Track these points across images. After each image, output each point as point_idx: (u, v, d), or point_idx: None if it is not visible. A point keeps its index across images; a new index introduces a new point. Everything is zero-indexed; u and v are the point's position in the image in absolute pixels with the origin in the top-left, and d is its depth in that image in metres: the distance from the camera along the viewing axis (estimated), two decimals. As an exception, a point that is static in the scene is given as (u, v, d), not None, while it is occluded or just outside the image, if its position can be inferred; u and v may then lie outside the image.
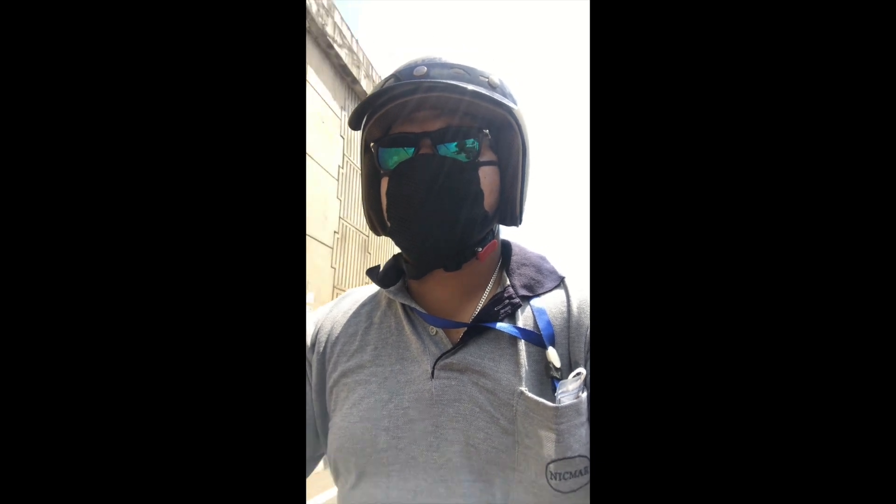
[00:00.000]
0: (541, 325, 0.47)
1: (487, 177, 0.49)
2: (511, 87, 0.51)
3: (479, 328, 0.47)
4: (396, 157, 0.49)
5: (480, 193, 0.47)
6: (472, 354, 0.46)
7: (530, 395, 0.42)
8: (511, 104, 0.49)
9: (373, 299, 0.57)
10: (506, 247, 0.57)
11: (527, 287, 0.51)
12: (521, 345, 0.46)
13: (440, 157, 0.47)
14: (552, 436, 0.41)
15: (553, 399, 0.42)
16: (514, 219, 0.52)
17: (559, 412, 0.41)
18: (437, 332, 0.49)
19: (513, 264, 0.54)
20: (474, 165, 0.48)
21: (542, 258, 0.56)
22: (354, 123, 0.51)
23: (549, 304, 0.50)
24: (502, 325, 0.47)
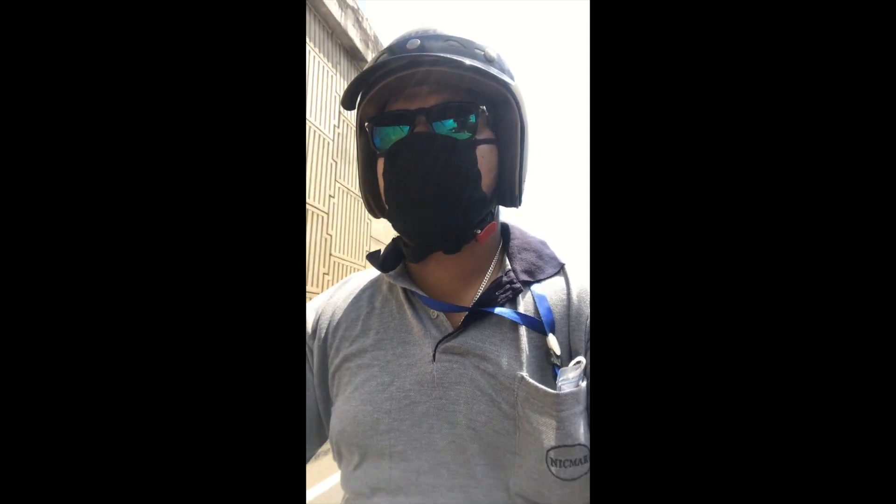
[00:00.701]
0: (541, 312, 0.47)
1: (485, 156, 0.47)
2: (508, 61, 0.49)
3: (481, 312, 0.47)
4: (392, 135, 0.48)
5: (478, 174, 0.46)
6: (473, 338, 0.46)
7: (531, 380, 0.42)
8: (509, 80, 0.47)
9: (373, 284, 0.57)
10: (506, 230, 0.56)
11: (527, 272, 0.50)
12: (522, 330, 0.46)
13: (436, 136, 0.45)
14: (552, 423, 0.41)
15: (553, 386, 0.42)
16: (513, 199, 0.50)
17: (559, 399, 0.41)
18: (437, 315, 0.49)
19: (513, 248, 0.53)
20: (471, 144, 0.46)
21: (543, 243, 0.55)
22: (348, 102, 0.49)
23: (550, 290, 0.49)
24: (503, 311, 0.46)
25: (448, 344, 0.46)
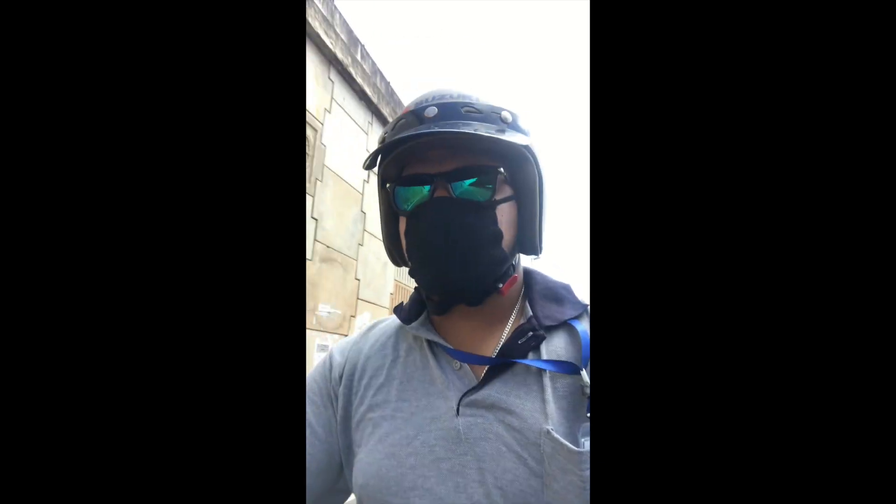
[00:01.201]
0: (582, 346, 0.47)
1: (505, 214, 0.49)
2: (525, 118, 0.51)
3: (505, 362, 0.48)
4: (413, 196, 0.50)
5: (499, 233, 0.48)
6: (497, 391, 0.46)
7: (556, 435, 0.42)
8: (526, 139, 0.48)
9: (398, 331, 0.58)
10: (528, 275, 0.57)
11: (550, 318, 0.51)
12: (547, 379, 0.46)
13: (456, 200, 0.47)
14: (579, 482, 0.40)
15: (579, 438, 0.42)
16: (534, 249, 0.52)
17: (583, 457, 0.40)
18: (461, 366, 0.50)
19: (535, 294, 0.54)
20: (491, 204, 0.48)
21: (566, 288, 0.55)
22: (369, 165, 0.51)
23: (578, 331, 0.50)
24: (528, 360, 0.47)
25: (472, 398, 0.47)
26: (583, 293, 0.56)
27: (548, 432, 0.43)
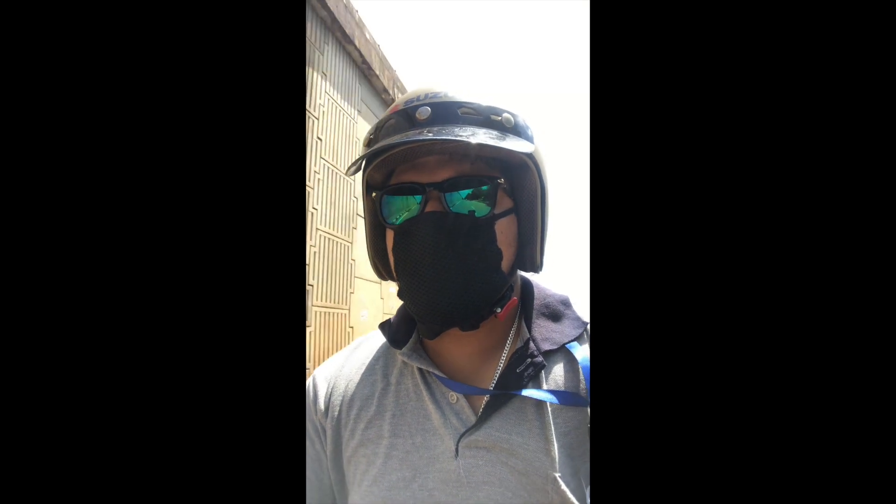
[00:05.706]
0: (585, 377, 0.43)
1: (504, 231, 0.44)
2: (526, 120, 0.45)
3: (502, 394, 0.44)
4: (402, 207, 0.45)
5: (499, 253, 0.43)
6: (497, 429, 0.43)
7: (563, 487, 0.39)
8: (528, 145, 0.43)
9: (387, 351, 0.53)
10: (524, 288, 0.52)
11: (548, 340, 0.47)
12: (548, 413, 0.43)
13: (451, 216, 0.42)
14: None
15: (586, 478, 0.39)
16: (534, 267, 0.47)
17: None
18: (457, 399, 0.45)
19: (532, 311, 0.49)
20: (490, 220, 0.43)
21: (565, 303, 0.51)
22: (354, 171, 0.45)
23: (583, 355, 0.46)
24: (530, 392, 0.43)
25: (471, 438, 0.43)
26: (582, 299, 0.52)
27: (555, 480, 0.40)
